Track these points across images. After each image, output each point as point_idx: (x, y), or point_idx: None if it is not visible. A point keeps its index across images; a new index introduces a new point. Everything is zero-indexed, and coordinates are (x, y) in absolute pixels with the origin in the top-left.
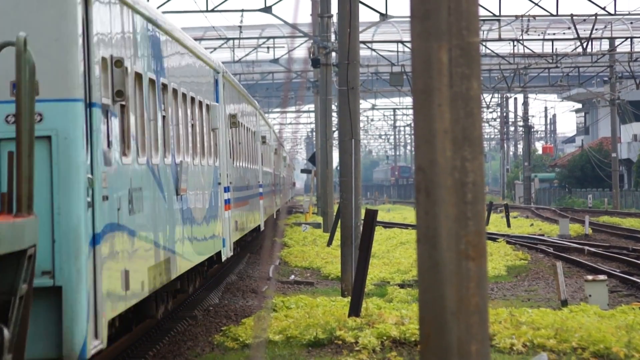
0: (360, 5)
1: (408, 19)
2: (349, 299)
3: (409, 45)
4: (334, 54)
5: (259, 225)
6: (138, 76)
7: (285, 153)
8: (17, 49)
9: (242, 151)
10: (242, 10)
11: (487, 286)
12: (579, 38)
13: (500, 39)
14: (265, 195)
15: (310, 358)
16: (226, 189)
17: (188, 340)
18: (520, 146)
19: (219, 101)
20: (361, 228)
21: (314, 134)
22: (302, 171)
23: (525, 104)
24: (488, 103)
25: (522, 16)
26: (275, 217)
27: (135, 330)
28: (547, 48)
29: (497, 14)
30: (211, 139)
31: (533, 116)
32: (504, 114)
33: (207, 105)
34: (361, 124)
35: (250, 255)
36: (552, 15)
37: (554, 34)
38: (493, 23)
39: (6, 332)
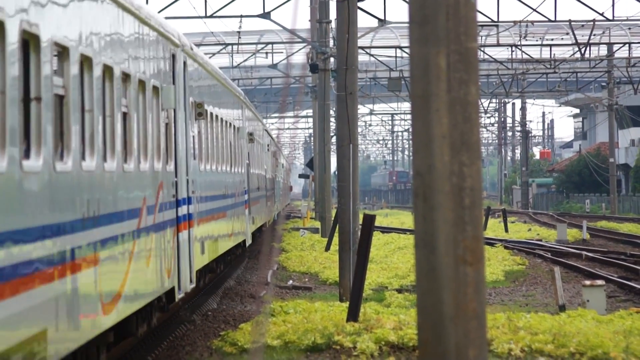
0: (358, 11)
1: (406, 25)
2: (347, 304)
3: (407, 50)
4: (332, 59)
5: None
6: None
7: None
8: None
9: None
10: (241, 16)
11: (484, 291)
12: (577, 43)
13: (498, 45)
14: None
15: None
16: None
17: (186, 345)
18: (518, 151)
19: None
20: (359, 233)
21: (312, 139)
22: (300, 176)
23: (523, 109)
24: (486, 108)
25: (520, 22)
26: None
27: None
28: (545, 53)
29: (496, 19)
30: None
31: (531, 121)
32: (502, 119)
33: None
34: (359, 129)
35: (249, 260)
36: (550, 20)
37: (552, 39)
38: (491, 28)
39: None
